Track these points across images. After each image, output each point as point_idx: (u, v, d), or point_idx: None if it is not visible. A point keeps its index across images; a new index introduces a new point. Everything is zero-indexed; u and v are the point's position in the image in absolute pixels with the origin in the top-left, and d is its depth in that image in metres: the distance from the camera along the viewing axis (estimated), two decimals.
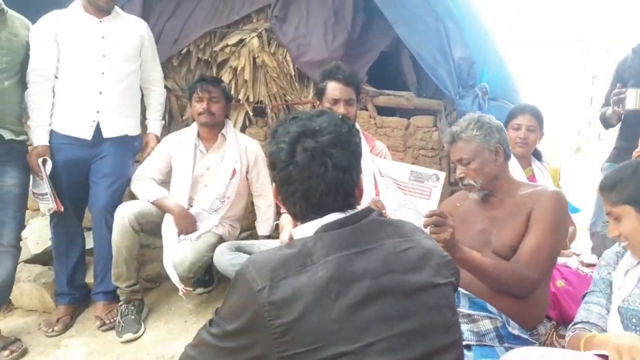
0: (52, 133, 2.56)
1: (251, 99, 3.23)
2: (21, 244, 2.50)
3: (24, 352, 2.38)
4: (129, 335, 2.40)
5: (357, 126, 1.64)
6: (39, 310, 2.77)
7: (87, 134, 2.55)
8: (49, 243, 3.01)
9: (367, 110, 3.18)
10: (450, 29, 2.81)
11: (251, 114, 3.29)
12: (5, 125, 2.38)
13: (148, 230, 2.58)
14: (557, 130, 2.77)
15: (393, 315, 0.99)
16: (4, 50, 2.37)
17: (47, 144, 2.53)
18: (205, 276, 2.82)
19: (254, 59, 3.17)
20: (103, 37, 2.59)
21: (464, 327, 1.68)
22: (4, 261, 2.34)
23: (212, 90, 2.62)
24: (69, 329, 2.58)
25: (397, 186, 1.71)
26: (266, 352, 0.96)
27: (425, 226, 1.51)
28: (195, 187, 2.68)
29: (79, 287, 2.73)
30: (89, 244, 2.94)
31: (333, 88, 2.32)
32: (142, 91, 2.85)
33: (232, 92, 3.10)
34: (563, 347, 1.62)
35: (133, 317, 2.48)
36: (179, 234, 2.52)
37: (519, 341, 1.69)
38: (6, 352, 2.33)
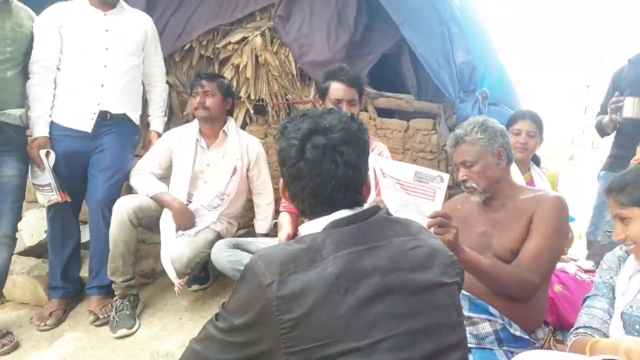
0: (52, 124, 2.55)
1: (252, 97, 3.23)
2: (17, 235, 2.47)
3: (16, 345, 2.36)
4: (123, 331, 2.38)
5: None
6: (31, 303, 2.75)
7: (88, 127, 2.54)
8: (44, 235, 3.00)
9: (367, 111, 3.18)
10: (454, 34, 2.82)
11: (252, 111, 3.28)
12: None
13: (146, 225, 2.56)
14: (551, 138, 2.78)
15: (401, 313, 0.99)
16: (8, 40, 2.36)
17: (48, 135, 2.52)
18: (201, 273, 2.81)
19: (257, 57, 3.16)
20: (107, 30, 2.58)
21: None
22: None
23: (206, 85, 2.62)
24: (62, 323, 2.56)
25: (401, 186, 1.71)
26: (273, 347, 0.96)
27: (430, 227, 1.51)
28: (195, 183, 2.67)
29: (72, 281, 2.71)
30: (84, 237, 2.93)
31: (336, 88, 2.33)
32: (144, 87, 2.84)
33: (233, 89, 3.09)
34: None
35: (128, 312, 2.46)
36: (177, 229, 2.51)
37: (519, 344, 1.70)
38: None
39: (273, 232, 2.83)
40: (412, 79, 3.19)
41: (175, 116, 3.34)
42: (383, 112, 3.23)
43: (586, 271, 2.24)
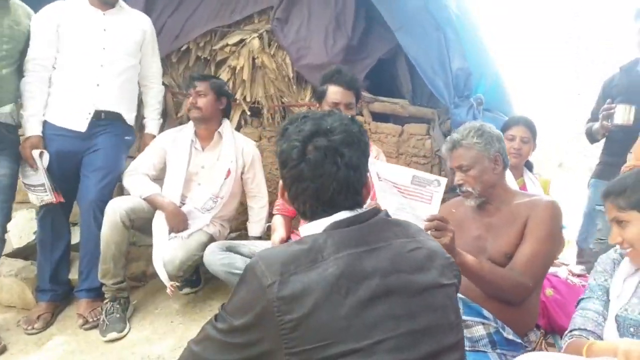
0: (45, 124, 2.52)
1: (248, 99, 3.22)
2: (5, 236, 2.44)
3: (3, 349, 2.33)
4: (113, 335, 2.35)
5: None
6: (19, 306, 2.71)
7: (82, 126, 2.52)
8: (33, 237, 2.96)
9: (362, 115, 3.18)
10: (450, 40, 2.83)
11: (248, 113, 3.27)
12: None
13: (138, 226, 2.54)
14: (541, 145, 2.81)
15: (401, 314, 0.99)
16: (5, 38, 2.35)
17: (40, 134, 2.49)
18: (192, 276, 2.78)
19: (254, 59, 3.16)
20: (105, 30, 2.57)
21: None
22: None
23: (198, 85, 2.62)
24: (50, 326, 2.53)
25: (397, 190, 1.70)
26: (274, 348, 0.95)
27: (426, 230, 1.51)
28: (189, 185, 2.65)
29: (61, 284, 2.67)
30: (73, 239, 2.89)
31: (334, 92, 2.34)
32: (139, 87, 2.82)
33: (228, 90, 3.07)
34: None
35: (118, 315, 2.43)
36: (170, 231, 2.49)
37: (512, 347, 1.71)
38: None
39: (266, 235, 2.81)
40: (407, 84, 3.20)
41: (169, 117, 3.32)
42: (378, 117, 3.23)
43: (577, 275, 2.26)
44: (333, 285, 0.96)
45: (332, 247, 1.01)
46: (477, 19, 3.12)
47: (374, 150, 2.51)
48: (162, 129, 2.95)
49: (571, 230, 3.08)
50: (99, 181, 2.54)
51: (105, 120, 2.59)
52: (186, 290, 2.75)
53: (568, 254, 2.91)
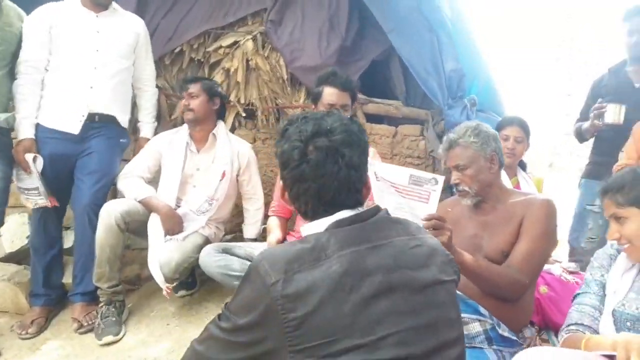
0: (38, 126, 2.50)
1: (242, 101, 3.21)
2: None
3: None
4: (109, 338, 2.33)
5: None
6: (12, 311, 2.68)
7: (75, 129, 2.50)
8: (25, 241, 2.94)
9: (356, 117, 3.20)
10: (443, 42, 2.86)
11: (243, 115, 3.27)
12: None
13: (133, 229, 2.52)
14: (532, 145, 2.85)
15: (404, 310, 1.00)
16: None
17: (33, 137, 2.47)
18: (188, 278, 2.76)
19: (247, 61, 3.16)
20: (98, 32, 2.56)
21: None
22: None
23: (190, 87, 2.62)
24: (44, 331, 2.50)
25: (395, 189, 1.71)
26: (278, 346, 0.96)
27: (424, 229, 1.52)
28: (184, 187, 2.65)
29: (55, 288, 2.65)
30: (67, 243, 2.87)
31: (329, 93, 2.34)
32: (133, 90, 2.81)
33: (221, 90, 3.07)
34: None
35: (114, 318, 2.41)
36: (166, 234, 2.48)
37: (508, 343, 1.72)
38: None
39: (261, 237, 2.81)
40: (401, 85, 3.22)
41: (163, 120, 3.30)
42: (372, 118, 3.25)
43: (571, 272, 2.28)
44: (337, 283, 0.96)
45: (336, 245, 1.01)
46: (470, 20, 3.15)
47: (370, 150, 2.52)
48: (156, 131, 2.94)
49: (563, 229, 3.11)
50: (94, 184, 2.52)
51: (99, 123, 2.58)
52: (182, 292, 2.74)
53: (560, 253, 2.94)
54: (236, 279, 2.31)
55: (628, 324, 1.37)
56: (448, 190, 2.40)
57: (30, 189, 2.47)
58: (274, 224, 2.54)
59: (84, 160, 2.55)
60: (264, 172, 3.21)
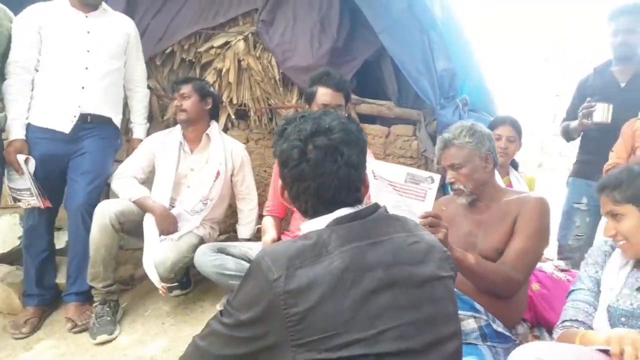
0: (29, 127, 2.48)
1: (234, 102, 3.22)
2: None
3: None
4: (104, 337, 2.33)
5: None
6: (5, 311, 2.66)
7: (66, 128, 2.49)
8: (17, 242, 2.92)
9: (349, 117, 3.21)
10: (435, 42, 2.88)
11: (233, 116, 3.27)
12: None
13: (127, 229, 2.52)
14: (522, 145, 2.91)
15: (404, 305, 1.02)
16: None
17: (24, 138, 2.46)
18: (182, 278, 2.76)
19: (239, 61, 3.16)
20: (88, 32, 2.55)
21: None
22: None
23: (181, 88, 2.63)
24: (37, 331, 2.49)
25: (393, 188, 1.74)
26: (280, 341, 0.97)
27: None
28: (178, 187, 2.65)
29: (48, 288, 2.64)
30: (59, 244, 2.85)
31: (323, 93, 2.35)
32: (125, 91, 2.80)
33: (213, 90, 3.07)
34: None
35: (109, 318, 2.40)
36: (160, 234, 2.48)
37: (502, 339, 1.75)
38: None
39: (255, 237, 2.82)
40: (393, 85, 3.24)
41: (155, 121, 3.30)
42: (364, 118, 3.27)
43: (562, 270, 2.31)
44: (338, 278, 0.98)
45: (337, 241, 1.03)
46: (461, 19, 3.17)
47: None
48: (148, 132, 2.93)
49: (552, 228, 3.15)
50: (87, 185, 2.51)
51: (91, 124, 2.57)
52: (176, 292, 2.73)
53: (550, 251, 2.98)
54: (231, 278, 2.32)
55: (623, 319, 1.39)
56: (441, 189, 2.43)
57: (22, 189, 2.46)
58: (268, 223, 2.55)
59: (77, 161, 2.54)
60: (257, 172, 3.21)
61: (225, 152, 2.68)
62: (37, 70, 2.50)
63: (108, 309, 2.44)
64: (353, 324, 0.96)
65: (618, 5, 2.75)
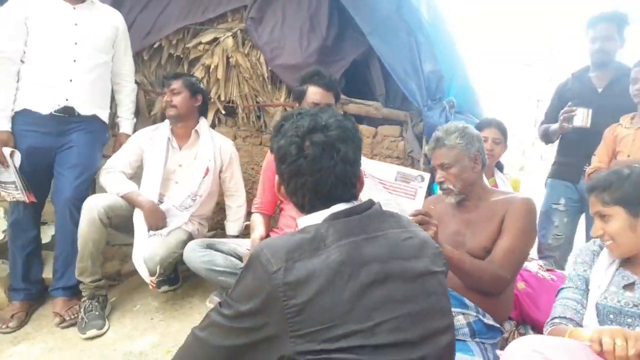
0: (15, 119, 2.45)
1: (222, 98, 3.22)
2: None
3: None
4: (93, 332, 2.31)
5: None
6: None
7: (46, 110, 2.45)
8: (2, 235, 2.87)
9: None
10: (422, 44, 2.94)
11: (223, 112, 3.28)
12: None
13: (115, 224, 2.50)
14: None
15: (399, 298, 1.06)
16: None
17: (9, 129, 2.43)
18: (171, 274, 2.77)
19: (228, 58, 3.17)
20: (76, 25, 2.53)
21: None
22: None
23: (171, 83, 2.63)
24: (24, 325, 2.46)
25: (383, 186, 1.77)
26: (279, 331, 1.00)
27: None
28: (166, 183, 2.65)
29: (34, 283, 2.61)
30: (45, 238, 2.83)
31: (314, 92, 2.37)
32: (112, 86, 2.79)
33: (202, 87, 3.07)
34: None
35: (97, 313, 2.40)
36: (149, 229, 2.48)
37: (491, 334, 1.82)
38: None
39: (243, 234, 2.83)
40: (381, 86, 3.28)
41: (142, 115, 3.28)
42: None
43: (547, 270, 2.38)
44: (336, 272, 1.01)
45: (335, 235, 1.06)
46: (447, 20, 3.23)
47: None
48: (134, 127, 2.92)
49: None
50: (75, 178, 2.49)
51: (79, 117, 2.55)
52: (164, 288, 2.73)
53: (532, 250, 3.05)
54: (220, 274, 2.34)
55: (611, 316, 1.44)
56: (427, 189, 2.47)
57: (7, 182, 2.43)
58: (257, 220, 2.56)
59: (64, 154, 2.52)
60: (244, 169, 3.22)
61: (214, 148, 2.69)
62: (22, 62, 2.47)
63: (97, 303, 2.43)
64: (351, 316, 0.99)
65: (596, 12, 2.83)
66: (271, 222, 2.65)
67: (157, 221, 2.50)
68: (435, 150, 1.91)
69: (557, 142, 3.08)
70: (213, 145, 2.69)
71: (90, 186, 2.73)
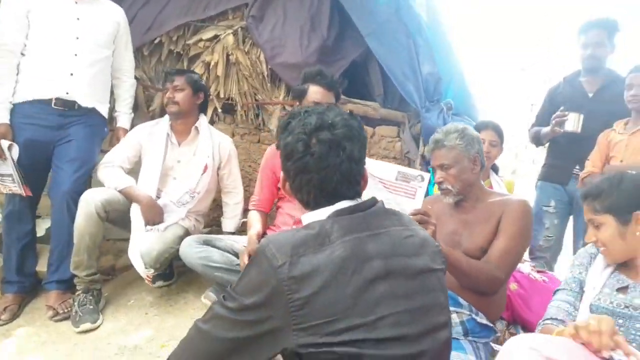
0: (15, 112, 2.45)
1: (222, 95, 3.23)
2: None
3: None
4: (86, 325, 2.31)
5: None
6: None
7: (46, 96, 2.45)
8: None
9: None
10: (420, 46, 2.96)
11: (220, 110, 3.28)
12: None
13: (112, 219, 2.50)
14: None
15: (400, 294, 1.08)
16: None
17: (8, 122, 2.43)
18: (166, 270, 2.76)
19: (228, 55, 3.17)
20: (78, 19, 2.53)
21: None
22: None
23: (175, 79, 2.63)
24: (17, 318, 2.45)
25: (383, 185, 1.79)
26: (283, 324, 1.01)
27: None
28: (164, 179, 2.65)
29: (28, 275, 2.60)
30: (39, 232, 2.82)
31: (315, 91, 2.38)
32: (112, 80, 2.78)
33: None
34: None
35: (91, 306, 2.39)
36: (146, 224, 2.48)
37: (483, 332, 1.84)
38: None
39: (239, 231, 2.84)
40: (379, 87, 3.30)
41: (140, 111, 3.28)
42: None
43: (539, 271, 2.41)
44: (340, 267, 1.02)
45: (339, 231, 1.08)
46: (446, 21, 3.25)
47: None
48: (133, 122, 2.92)
49: None
50: (74, 172, 2.49)
51: (78, 111, 2.55)
52: (159, 283, 2.73)
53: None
54: (217, 270, 2.34)
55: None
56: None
57: (4, 175, 2.42)
58: (254, 218, 2.56)
59: (63, 148, 2.52)
60: (242, 167, 3.23)
61: (213, 145, 2.69)
62: (23, 55, 2.47)
63: (91, 297, 2.42)
64: (353, 310, 1.01)
65: (588, 19, 2.87)
66: (268, 219, 2.66)
67: (154, 216, 2.50)
68: (435, 150, 1.93)
69: (547, 145, 3.12)
70: (212, 142, 2.70)
71: (88, 180, 2.73)
